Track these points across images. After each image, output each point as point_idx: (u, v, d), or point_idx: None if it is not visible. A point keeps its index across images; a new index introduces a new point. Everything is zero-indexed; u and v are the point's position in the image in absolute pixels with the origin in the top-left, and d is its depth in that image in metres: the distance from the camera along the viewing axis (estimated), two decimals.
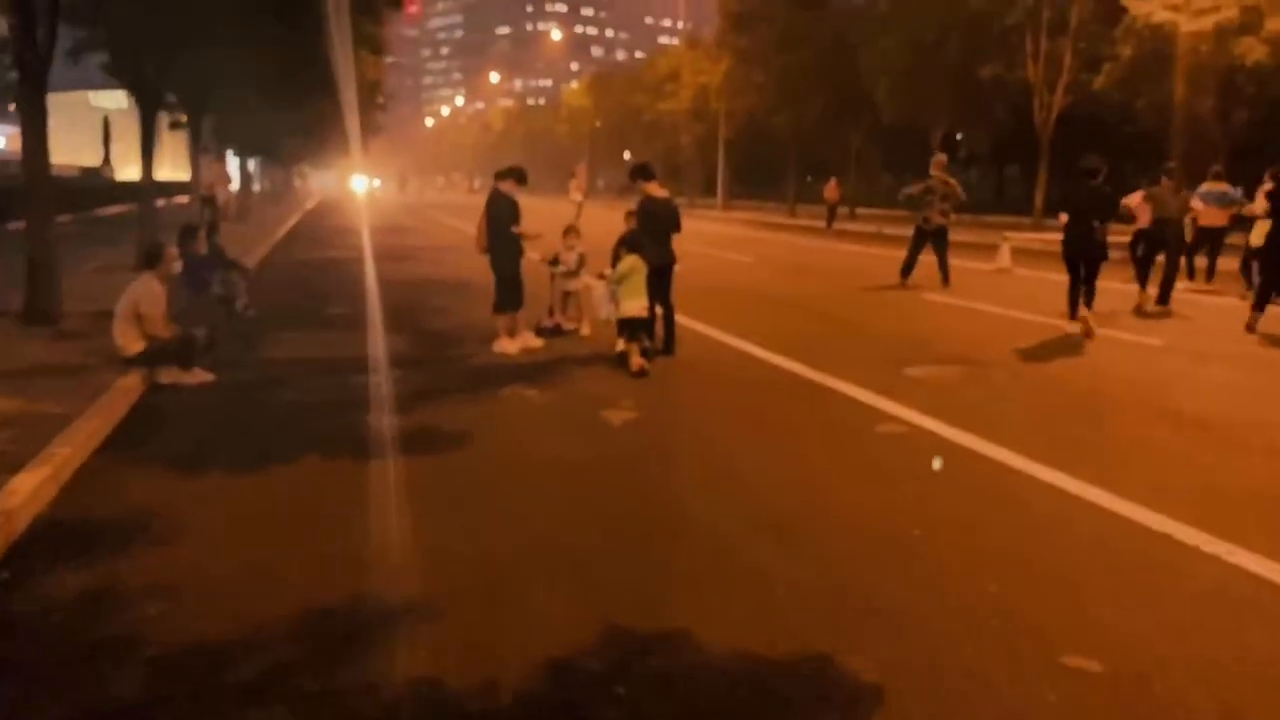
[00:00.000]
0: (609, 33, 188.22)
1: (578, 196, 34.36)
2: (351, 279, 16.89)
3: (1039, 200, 30.98)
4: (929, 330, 11.66)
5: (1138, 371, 9.38)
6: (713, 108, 49.82)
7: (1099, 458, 6.36)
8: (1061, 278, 12.30)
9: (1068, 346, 10.71)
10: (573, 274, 11.28)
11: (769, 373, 9.20)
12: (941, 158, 16.21)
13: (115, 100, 56.26)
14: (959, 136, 36.85)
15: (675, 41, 72.80)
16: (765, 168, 58.29)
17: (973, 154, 38.35)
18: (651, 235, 9.62)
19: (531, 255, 10.54)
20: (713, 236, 28.08)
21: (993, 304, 13.87)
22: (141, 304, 8.37)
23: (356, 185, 65.50)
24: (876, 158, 49.43)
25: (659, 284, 9.65)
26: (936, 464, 6.20)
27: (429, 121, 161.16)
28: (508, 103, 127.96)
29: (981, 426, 6.99)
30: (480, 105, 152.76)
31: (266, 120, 27.72)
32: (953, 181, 15.99)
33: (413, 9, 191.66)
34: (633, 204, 10.37)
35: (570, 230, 11.43)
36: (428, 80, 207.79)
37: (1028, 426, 7.19)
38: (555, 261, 11.32)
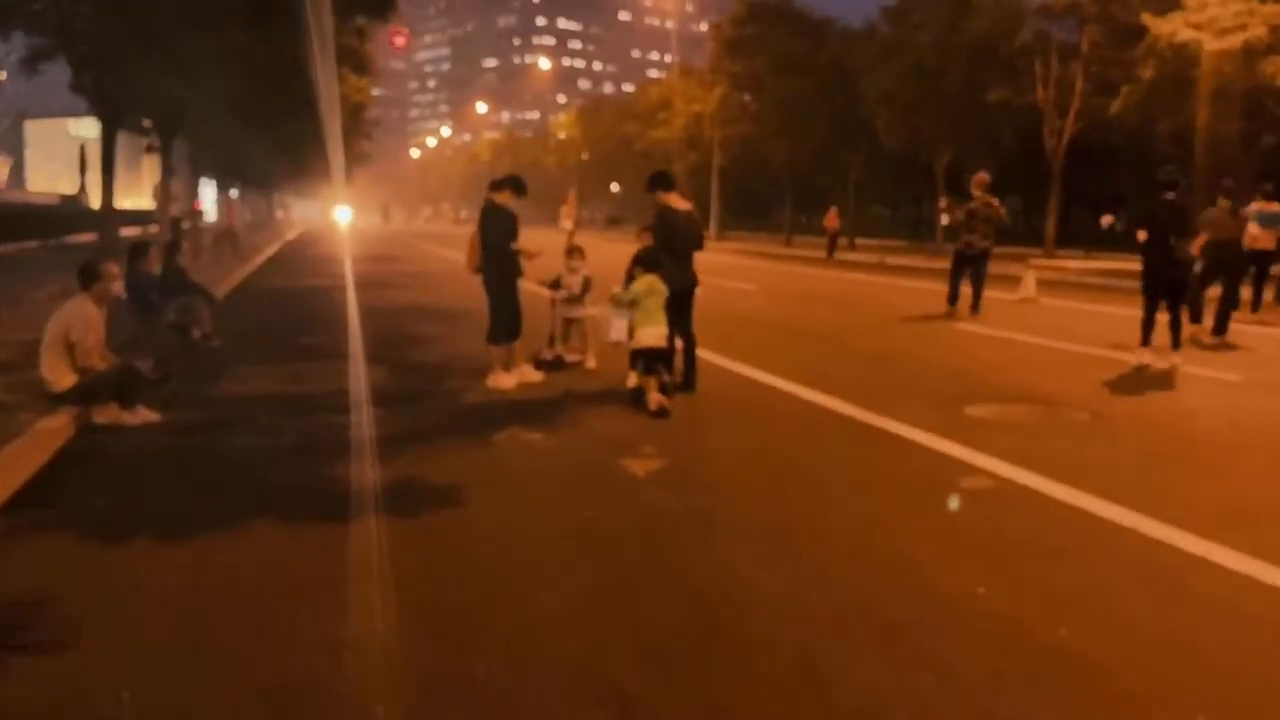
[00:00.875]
0: (596, 65, 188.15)
1: (568, 224, 33.08)
2: (330, 306, 15.60)
3: (1051, 229, 29.89)
4: (973, 363, 10.44)
5: (1231, 411, 8.15)
6: (706, 136, 48.83)
7: (1267, 527, 5.10)
8: (1094, 308, 11.11)
9: (1138, 382, 9.49)
10: (576, 299, 10.00)
11: (809, 412, 7.92)
12: (983, 176, 14.92)
13: (94, 128, 55.21)
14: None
15: (662, 75, 72.06)
16: (759, 198, 57.36)
17: None
18: (671, 253, 8.37)
19: (528, 283, 9.24)
20: (712, 265, 26.74)
21: (1031, 334, 12.67)
22: (72, 330, 7.08)
23: (340, 216, 64.33)
24: (870, 188, 48.50)
25: (679, 310, 8.38)
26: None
27: (415, 153, 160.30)
28: (494, 135, 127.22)
29: (1088, 481, 5.72)
30: (467, 137, 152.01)
31: (244, 144, 26.47)
32: (995, 202, 14.74)
33: (399, 41, 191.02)
34: (644, 222, 9.17)
35: (574, 250, 10.15)
36: (414, 113, 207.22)
37: (1146, 481, 5.92)
38: (556, 284, 10.05)
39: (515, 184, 8.96)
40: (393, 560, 4.52)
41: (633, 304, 8.10)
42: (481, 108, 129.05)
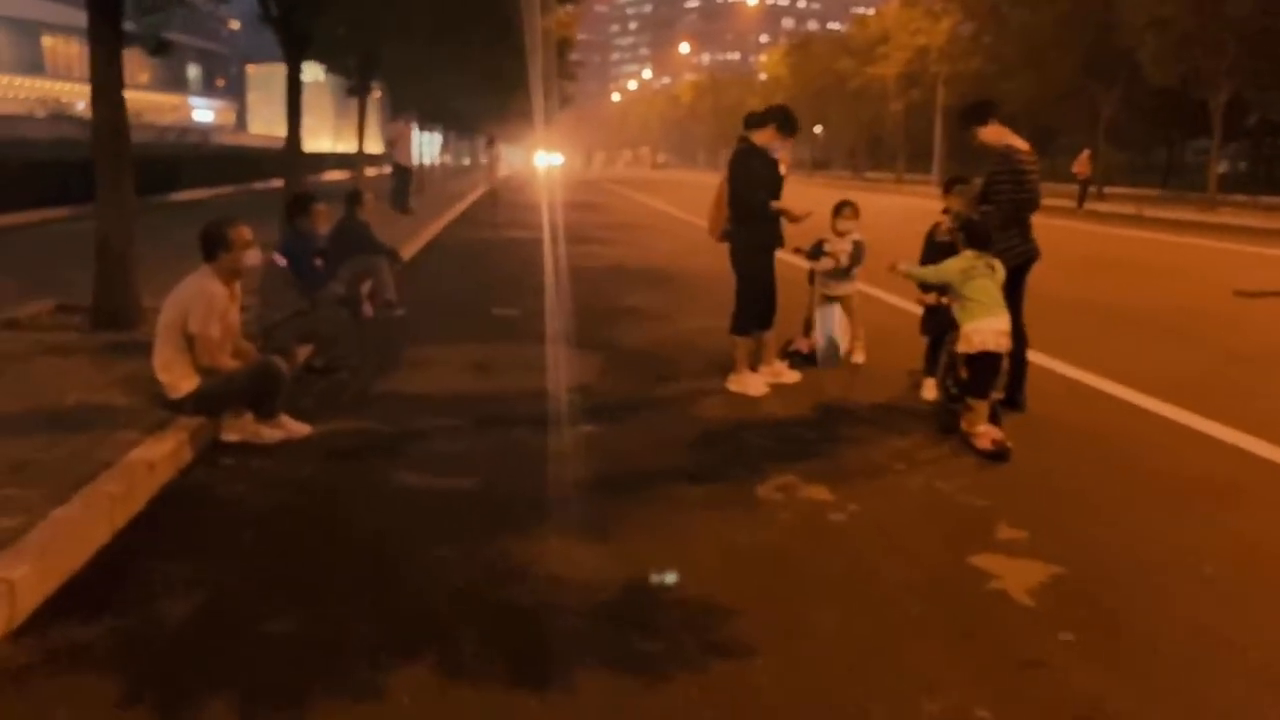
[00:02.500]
0: (801, 3, 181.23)
1: (781, 169, 30.45)
2: (528, 266, 13.66)
3: None
4: None
5: None
6: (931, 71, 44.61)
7: None
8: None
9: None
10: (844, 273, 7.48)
11: (1225, 459, 5.25)
12: None
13: (311, 73, 55.49)
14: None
15: (869, 13, 67.19)
16: None
17: (1266, 123, 31.83)
18: (1013, 215, 5.84)
19: (783, 252, 6.86)
20: None
21: None
22: (191, 317, 5.20)
23: (540, 161, 63.50)
24: (1116, 129, 43.12)
25: (1010, 295, 5.84)
26: None
27: (616, 97, 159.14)
28: (694, 77, 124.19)
29: None
30: (667, 80, 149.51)
31: (445, 82, 24.98)
32: None
33: None
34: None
35: (845, 207, 7.54)
36: (615, 56, 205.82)
37: None
38: (818, 252, 7.50)
39: (782, 119, 6.56)
40: None
41: (959, 287, 5.58)
42: (684, 48, 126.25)
